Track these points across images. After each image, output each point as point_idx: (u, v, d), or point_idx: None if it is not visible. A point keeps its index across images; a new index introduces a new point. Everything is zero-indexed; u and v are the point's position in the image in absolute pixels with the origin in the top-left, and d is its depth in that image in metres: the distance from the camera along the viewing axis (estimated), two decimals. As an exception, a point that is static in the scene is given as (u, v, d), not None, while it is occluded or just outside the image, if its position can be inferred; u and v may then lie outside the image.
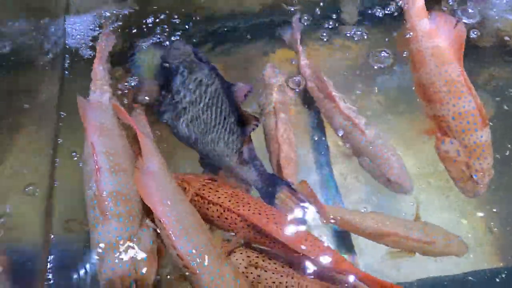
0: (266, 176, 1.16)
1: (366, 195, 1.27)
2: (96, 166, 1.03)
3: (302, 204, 1.12)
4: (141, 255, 0.98)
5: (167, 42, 1.42)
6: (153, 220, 1.01)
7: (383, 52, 1.36)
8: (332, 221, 1.11)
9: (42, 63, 1.28)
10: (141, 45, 1.40)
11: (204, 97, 1.20)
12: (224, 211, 1.01)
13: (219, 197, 1.03)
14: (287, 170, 1.22)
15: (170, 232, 0.94)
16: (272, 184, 1.15)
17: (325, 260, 0.94)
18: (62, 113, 1.31)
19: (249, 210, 1.00)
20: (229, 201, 1.02)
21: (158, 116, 1.25)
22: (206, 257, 0.93)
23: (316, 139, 1.36)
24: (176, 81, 1.25)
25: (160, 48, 1.39)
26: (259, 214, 0.99)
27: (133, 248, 0.97)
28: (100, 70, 1.25)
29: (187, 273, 0.93)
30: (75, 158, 1.20)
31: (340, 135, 1.26)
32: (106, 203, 0.99)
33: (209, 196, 1.04)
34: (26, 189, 1.14)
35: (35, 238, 1.12)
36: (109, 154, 1.07)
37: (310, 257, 0.95)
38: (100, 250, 0.96)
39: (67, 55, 1.38)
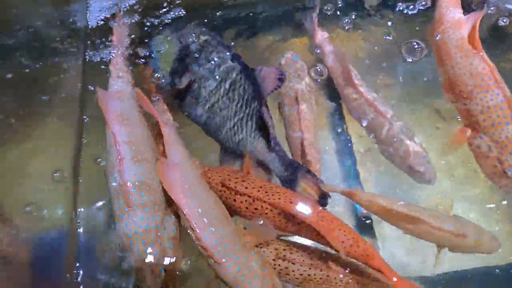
0: (288, 162, 1.15)
1: (388, 186, 1.26)
2: (119, 156, 1.01)
3: (323, 192, 1.10)
4: (168, 243, 0.99)
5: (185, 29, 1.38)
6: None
7: (414, 43, 1.31)
8: (365, 206, 1.09)
9: (64, 50, 1.24)
10: (158, 32, 1.36)
11: (225, 81, 1.18)
12: (253, 201, 0.99)
13: (246, 187, 1.01)
14: (311, 159, 1.21)
15: (194, 224, 0.93)
16: (294, 171, 1.13)
17: (357, 251, 0.93)
18: (85, 100, 1.27)
19: (279, 198, 0.97)
20: (258, 191, 0.99)
21: (177, 104, 1.24)
22: (232, 247, 0.92)
23: (338, 129, 1.34)
24: (195, 66, 1.23)
25: (178, 34, 1.36)
26: (291, 202, 0.97)
27: (160, 236, 0.97)
28: (118, 58, 1.23)
29: (212, 264, 0.91)
30: (99, 159, 1.17)
31: (363, 125, 1.23)
32: (131, 193, 0.98)
33: (236, 187, 1.01)
34: (54, 175, 1.12)
35: (62, 224, 1.11)
36: (131, 144, 1.05)
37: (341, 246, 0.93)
38: (127, 241, 0.96)
39: (88, 42, 1.34)
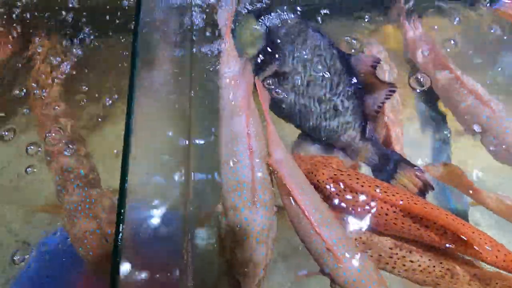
0: (384, 152, 1.10)
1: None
2: (250, 150, 0.98)
3: (424, 184, 1.04)
4: (271, 243, 0.97)
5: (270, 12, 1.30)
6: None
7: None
8: (493, 207, 1.03)
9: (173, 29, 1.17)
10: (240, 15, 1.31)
11: (318, 66, 1.13)
12: (371, 200, 0.93)
13: (362, 185, 0.94)
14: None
15: (312, 220, 0.89)
16: (392, 163, 1.08)
17: (494, 256, 0.84)
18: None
19: (402, 200, 0.90)
20: (375, 189, 0.93)
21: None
22: (349, 248, 0.88)
23: (434, 124, 1.26)
24: (284, 51, 1.17)
25: (263, 17, 1.30)
26: (415, 204, 0.89)
27: (269, 237, 0.96)
28: (228, 39, 1.18)
29: (332, 264, 0.88)
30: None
31: (461, 114, 1.16)
32: (257, 190, 0.95)
33: (351, 184, 0.95)
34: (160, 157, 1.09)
35: (177, 199, 1.08)
36: (257, 137, 1.02)
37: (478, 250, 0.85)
38: (243, 236, 0.94)
39: (196, 21, 1.28)
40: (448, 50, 1.26)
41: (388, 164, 1.10)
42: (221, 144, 1.05)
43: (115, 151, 1.20)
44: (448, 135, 1.25)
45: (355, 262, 0.87)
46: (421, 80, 1.23)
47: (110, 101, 1.27)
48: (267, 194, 0.97)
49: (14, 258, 1.13)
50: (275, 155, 1.01)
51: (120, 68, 1.28)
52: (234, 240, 0.95)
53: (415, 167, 1.07)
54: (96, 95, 1.28)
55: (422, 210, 0.88)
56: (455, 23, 1.31)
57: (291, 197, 0.94)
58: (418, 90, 1.25)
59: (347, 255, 0.87)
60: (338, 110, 1.12)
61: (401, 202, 0.91)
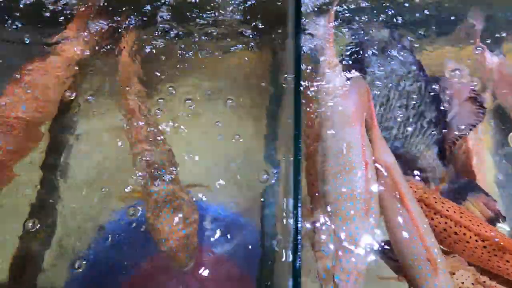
0: (459, 178, 1.14)
1: None
2: (366, 161, 0.98)
3: (494, 213, 1.07)
4: None
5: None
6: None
7: None
8: None
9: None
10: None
11: (401, 86, 1.18)
12: (455, 225, 0.97)
13: (447, 210, 1.00)
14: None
15: (420, 226, 0.92)
16: (464, 189, 1.12)
17: None
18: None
19: (486, 231, 0.95)
20: (461, 217, 0.99)
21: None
22: (444, 263, 0.90)
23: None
24: (371, 64, 1.23)
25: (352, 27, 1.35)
26: (501, 236, 0.93)
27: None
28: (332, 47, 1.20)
29: (426, 274, 0.89)
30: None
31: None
32: (371, 202, 0.96)
33: (436, 207, 1.01)
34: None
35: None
36: (369, 149, 1.03)
37: None
38: (346, 244, 0.93)
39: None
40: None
41: (461, 190, 1.12)
42: (329, 153, 1.03)
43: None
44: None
45: (448, 279, 0.89)
46: None
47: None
48: (377, 207, 0.97)
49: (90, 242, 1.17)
50: (389, 158, 1.03)
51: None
52: (341, 249, 0.94)
53: (488, 196, 1.09)
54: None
55: (502, 241, 0.92)
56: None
57: (398, 201, 0.95)
58: None
59: (443, 270, 0.89)
60: (417, 131, 1.16)
61: (493, 233, 0.94)
